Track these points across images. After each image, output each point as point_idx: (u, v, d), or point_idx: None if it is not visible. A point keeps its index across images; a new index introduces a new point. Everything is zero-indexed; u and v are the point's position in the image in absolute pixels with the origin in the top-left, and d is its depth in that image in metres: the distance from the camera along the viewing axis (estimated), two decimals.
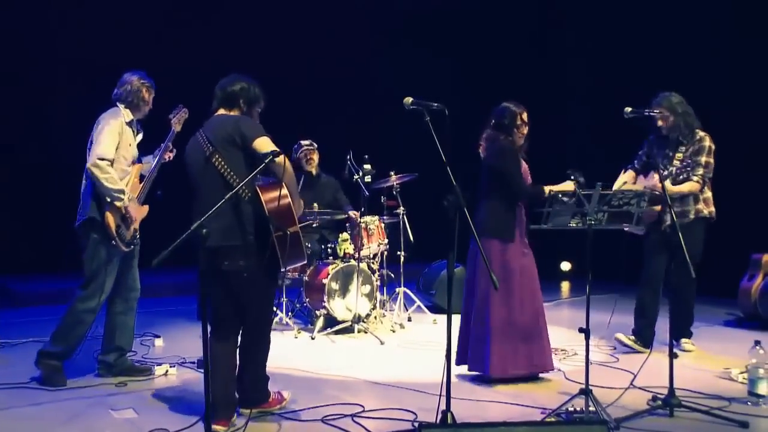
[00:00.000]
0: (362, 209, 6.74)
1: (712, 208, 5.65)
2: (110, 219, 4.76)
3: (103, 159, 4.68)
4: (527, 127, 5.03)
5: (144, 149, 5.16)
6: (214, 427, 3.89)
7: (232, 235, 3.90)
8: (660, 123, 5.53)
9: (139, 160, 5.05)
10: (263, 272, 4.02)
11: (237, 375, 4.13)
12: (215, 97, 4.19)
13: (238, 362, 4.12)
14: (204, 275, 3.98)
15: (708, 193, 5.64)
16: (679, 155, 5.55)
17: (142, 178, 5.04)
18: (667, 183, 5.34)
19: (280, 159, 3.88)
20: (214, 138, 3.99)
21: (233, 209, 3.88)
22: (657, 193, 5.24)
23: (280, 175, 3.92)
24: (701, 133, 5.59)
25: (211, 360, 3.93)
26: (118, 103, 4.92)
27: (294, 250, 4.00)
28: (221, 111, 4.16)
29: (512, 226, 4.91)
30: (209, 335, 3.96)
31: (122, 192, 4.75)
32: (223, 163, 3.93)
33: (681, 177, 5.41)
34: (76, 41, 8.92)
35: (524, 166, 5.01)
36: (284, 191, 3.94)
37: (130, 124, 4.92)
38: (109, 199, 4.74)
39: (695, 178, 5.42)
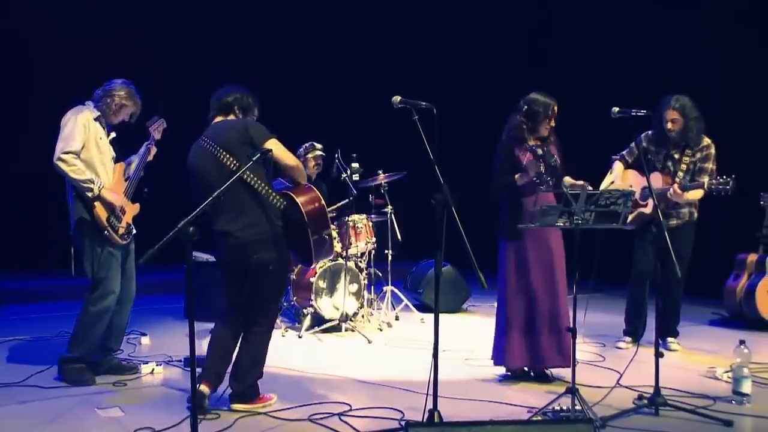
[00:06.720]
0: (350, 207, 6.73)
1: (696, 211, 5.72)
2: (99, 210, 4.71)
3: (67, 152, 4.62)
4: (545, 120, 4.83)
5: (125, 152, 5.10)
6: (200, 387, 4.14)
7: (260, 229, 4.10)
8: (669, 126, 5.51)
9: (121, 160, 4.98)
10: (283, 264, 4.29)
11: (234, 362, 4.31)
12: (211, 108, 4.35)
13: (237, 351, 4.33)
14: (228, 270, 4.28)
15: None
16: (686, 159, 5.56)
17: (128, 178, 4.97)
18: (686, 192, 5.41)
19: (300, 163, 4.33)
20: (224, 144, 4.12)
21: (260, 206, 4.11)
22: (668, 195, 5.35)
23: (299, 177, 4.30)
24: (707, 140, 5.60)
25: (211, 339, 4.31)
26: (87, 102, 4.86)
27: (328, 250, 4.32)
28: (219, 118, 4.30)
29: (513, 224, 4.73)
30: (216, 321, 4.37)
31: (91, 181, 4.67)
32: (247, 172, 4.07)
33: (692, 181, 5.45)
34: (74, 41, 8.92)
35: (528, 156, 4.82)
36: (317, 194, 4.21)
37: (98, 119, 4.82)
38: (79, 191, 4.67)
39: (704, 185, 5.39)
